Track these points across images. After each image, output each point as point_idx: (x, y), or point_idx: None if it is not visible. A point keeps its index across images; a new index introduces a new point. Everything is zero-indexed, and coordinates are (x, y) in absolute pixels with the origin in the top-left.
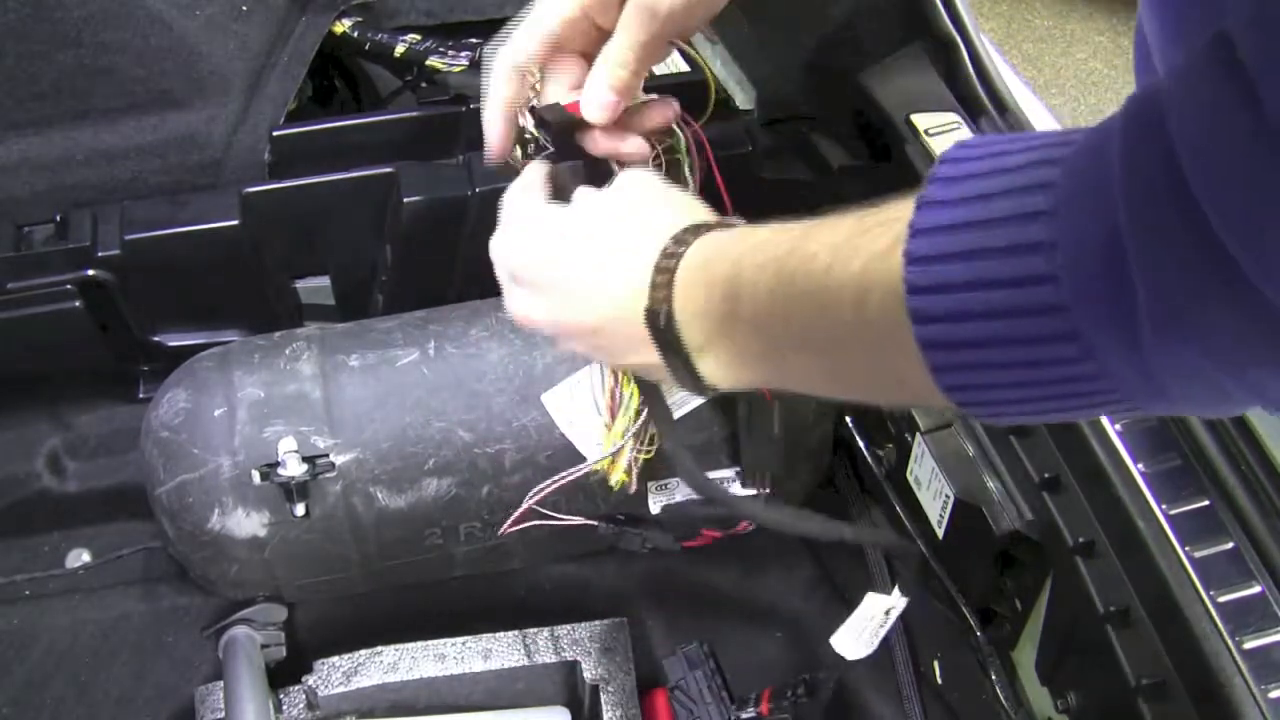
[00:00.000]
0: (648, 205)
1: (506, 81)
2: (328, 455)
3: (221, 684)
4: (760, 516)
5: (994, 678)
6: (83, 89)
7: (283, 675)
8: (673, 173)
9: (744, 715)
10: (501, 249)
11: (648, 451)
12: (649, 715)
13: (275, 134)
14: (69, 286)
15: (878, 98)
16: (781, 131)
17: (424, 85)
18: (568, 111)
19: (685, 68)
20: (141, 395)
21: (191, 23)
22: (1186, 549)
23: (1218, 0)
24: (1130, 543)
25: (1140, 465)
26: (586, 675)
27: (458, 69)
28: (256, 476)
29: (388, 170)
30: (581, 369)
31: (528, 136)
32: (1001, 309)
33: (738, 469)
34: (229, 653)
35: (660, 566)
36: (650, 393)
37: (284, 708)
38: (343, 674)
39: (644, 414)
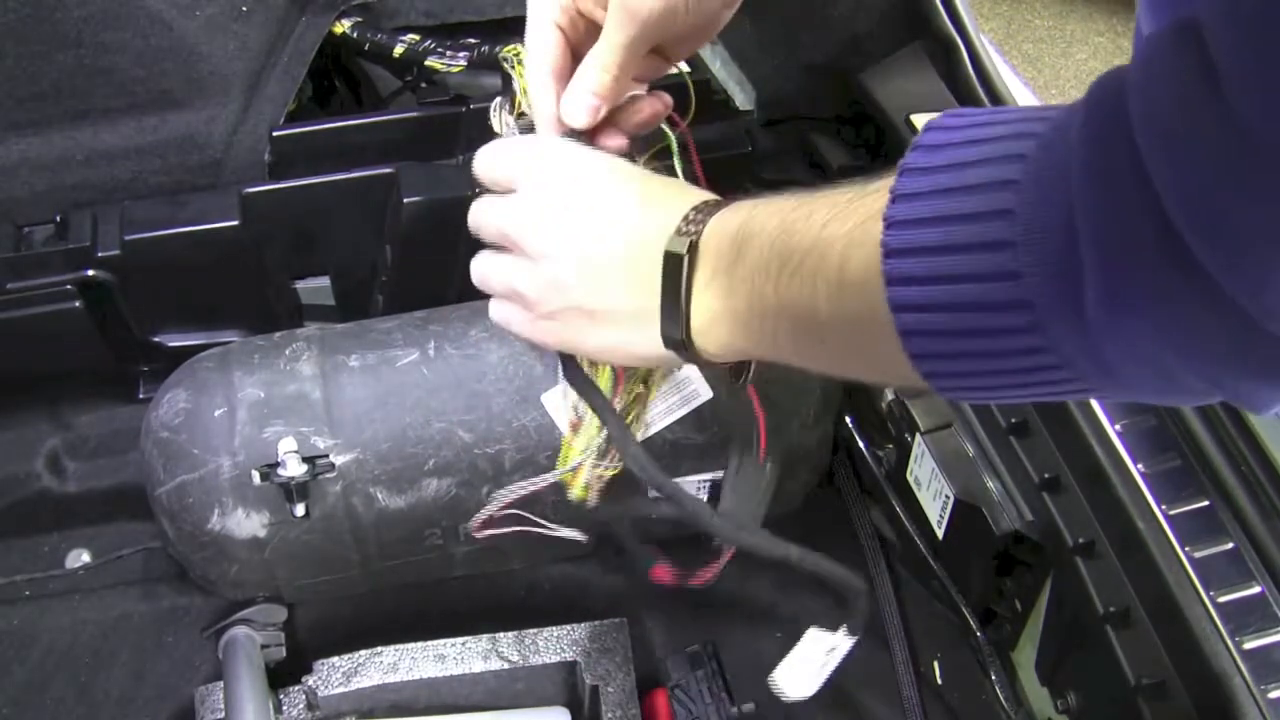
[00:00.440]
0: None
1: (550, 93)
2: (328, 455)
3: (221, 684)
4: (708, 522)
5: (994, 678)
6: (83, 89)
7: (283, 675)
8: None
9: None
10: (497, 203)
11: (613, 468)
12: (649, 715)
13: (275, 134)
14: (69, 286)
15: (878, 98)
16: (781, 132)
17: (424, 85)
18: None
19: (672, 70)
20: (141, 395)
21: (191, 23)
22: (1186, 549)
23: None
24: (1130, 543)
25: (1140, 465)
26: (586, 675)
27: (457, 69)
28: (256, 477)
29: (388, 170)
30: None
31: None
32: (965, 273)
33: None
34: (229, 653)
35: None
36: (600, 403)
37: (284, 708)
38: (343, 674)
39: (605, 432)
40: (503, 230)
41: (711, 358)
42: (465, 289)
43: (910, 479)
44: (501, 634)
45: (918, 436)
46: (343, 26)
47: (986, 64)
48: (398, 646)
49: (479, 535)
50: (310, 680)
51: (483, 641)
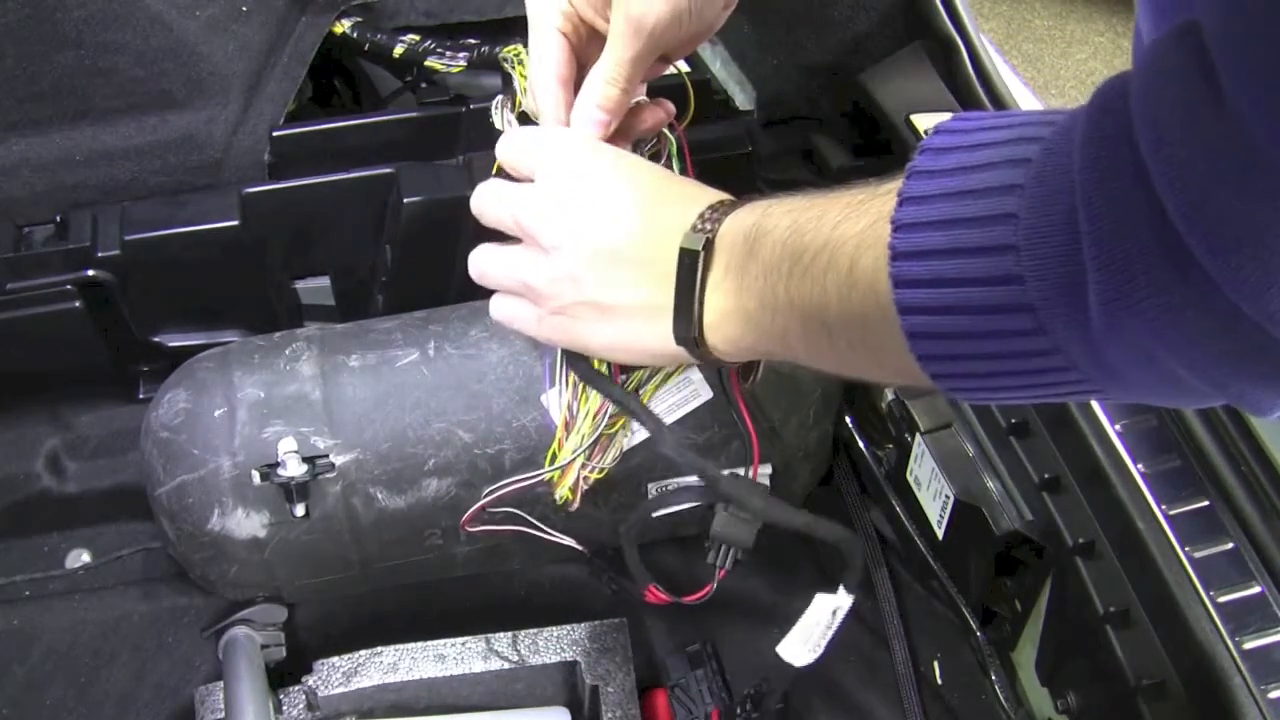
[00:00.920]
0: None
1: (559, 100)
2: (327, 456)
3: (221, 684)
4: (733, 493)
5: (994, 678)
6: (83, 89)
7: (283, 675)
8: None
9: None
10: (511, 189)
11: (599, 471)
12: (649, 715)
13: (275, 134)
14: (69, 287)
15: (878, 98)
16: (781, 132)
17: (424, 85)
18: None
19: (670, 70)
20: (141, 395)
21: (191, 23)
22: (1186, 549)
23: None
24: (1130, 543)
25: (1140, 465)
26: (586, 675)
27: (457, 69)
28: (256, 477)
29: (388, 170)
30: None
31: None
32: (969, 277)
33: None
34: (229, 653)
35: (660, 566)
36: (595, 379)
37: (284, 708)
38: (343, 674)
39: (598, 432)
40: (516, 218)
41: (721, 355)
42: (465, 289)
43: (910, 479)
44: (502, 634)
45: (918, 436)
46: (343, 26)
47: (986, 64)
48: (398, 646)
49: (469, 531)
50: (310, 680)
51: (483, 641)
